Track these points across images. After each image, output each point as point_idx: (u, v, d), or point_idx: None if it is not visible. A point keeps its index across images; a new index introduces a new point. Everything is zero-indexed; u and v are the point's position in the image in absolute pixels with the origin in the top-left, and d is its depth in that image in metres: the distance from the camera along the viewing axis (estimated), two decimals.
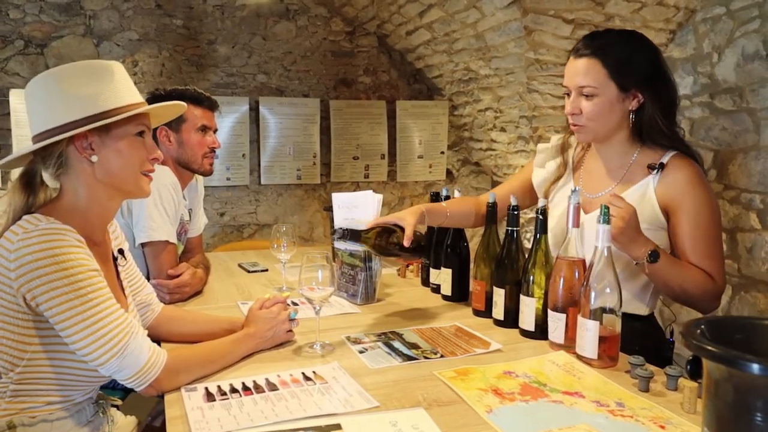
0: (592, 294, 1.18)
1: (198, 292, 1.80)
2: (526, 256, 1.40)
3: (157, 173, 1.81)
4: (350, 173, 4.07)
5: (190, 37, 3.66)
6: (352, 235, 1.39)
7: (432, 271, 1.81)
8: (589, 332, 1.18)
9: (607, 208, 1.18)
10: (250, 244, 3.21)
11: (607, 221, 1.17)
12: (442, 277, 1.71)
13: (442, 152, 4.27)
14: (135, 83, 1.26)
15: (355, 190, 4.25)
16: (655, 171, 1.41)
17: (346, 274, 1.70)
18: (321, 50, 3.93)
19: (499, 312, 1.46)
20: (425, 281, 1.90)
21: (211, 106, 1.95)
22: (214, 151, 1.96)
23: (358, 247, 1.64)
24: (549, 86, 3.48)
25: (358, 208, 1.70)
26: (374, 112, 4.06)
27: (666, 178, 1.40)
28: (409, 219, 1.45)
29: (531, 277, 1.36)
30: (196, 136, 1.91)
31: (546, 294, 1.34)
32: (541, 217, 1.36)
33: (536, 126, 3.65)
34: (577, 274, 1.26)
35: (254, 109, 3.78)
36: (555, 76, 3.43)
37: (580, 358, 1.22)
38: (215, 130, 1.98)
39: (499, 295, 1.45)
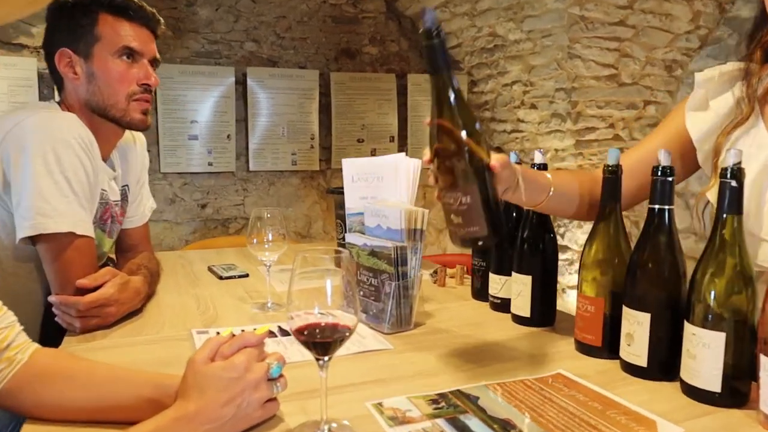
0: None
1: (136, 312, 1.17)
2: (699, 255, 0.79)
3: (51, 122, 1.12)
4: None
5: None
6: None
7: (493, 278, 1.19)
8: None
9: None
10: (231, 241, 2.60)
11: None
12: (516, 288, 1.10)
13: None
14: None
15: None
16: None
17: (366, 285, 1.09)
18: (320, 15, 3.42)
19: (636, 353, 0.85)
20: (479, 292, 1.29)
21: (146, 20, 1.27)
22: (150, 92, 1.27)
23: (385, 242, 1.03)
24: (594, 51, 2.97)
25: (383, 181, 1.09)
26: (382, 88, 3.59)
27: None
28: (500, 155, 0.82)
29: (711, 296, 0.75)
30: (116, 64, 1.22)
31: (744, 325, 0.73)
32: (733, 183, 0.75)
33: (576, 100, 3.17)
34: None
35: (241, 83, 3.28)
36: (602, 39, 2.93)
37: None
38: (154, 62, 1.30)
39: (636, 324, 0.84)
